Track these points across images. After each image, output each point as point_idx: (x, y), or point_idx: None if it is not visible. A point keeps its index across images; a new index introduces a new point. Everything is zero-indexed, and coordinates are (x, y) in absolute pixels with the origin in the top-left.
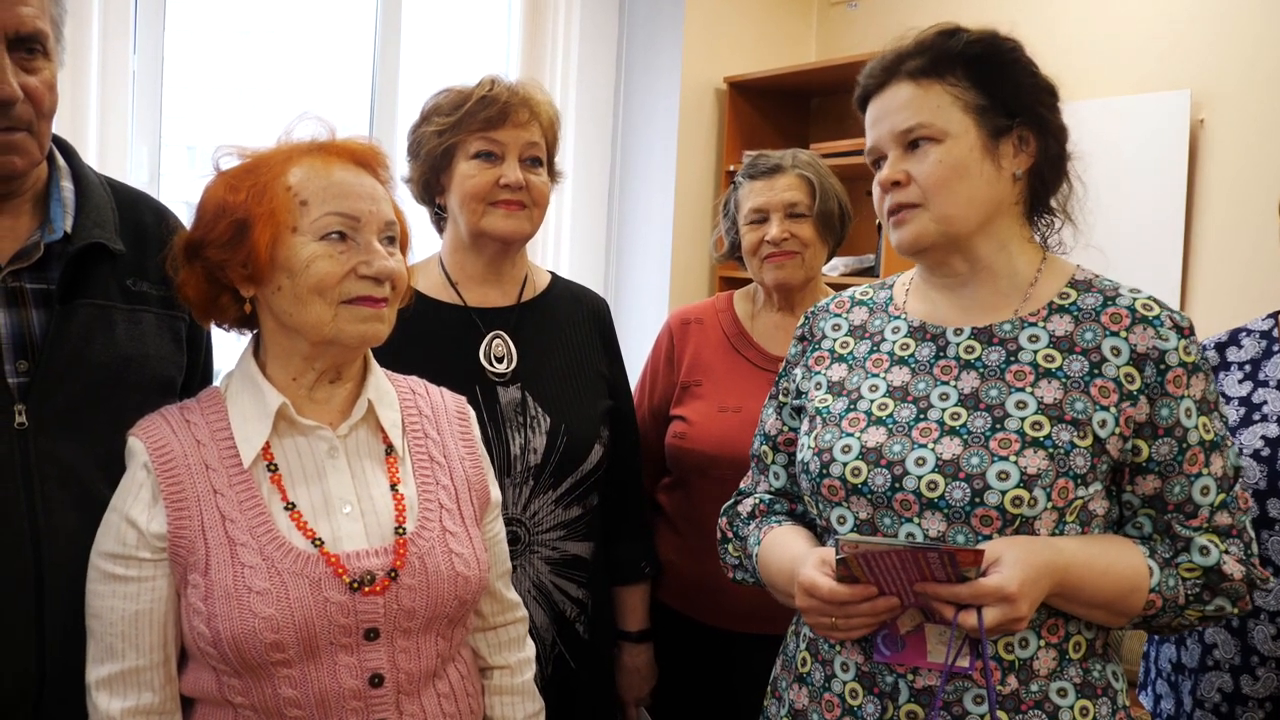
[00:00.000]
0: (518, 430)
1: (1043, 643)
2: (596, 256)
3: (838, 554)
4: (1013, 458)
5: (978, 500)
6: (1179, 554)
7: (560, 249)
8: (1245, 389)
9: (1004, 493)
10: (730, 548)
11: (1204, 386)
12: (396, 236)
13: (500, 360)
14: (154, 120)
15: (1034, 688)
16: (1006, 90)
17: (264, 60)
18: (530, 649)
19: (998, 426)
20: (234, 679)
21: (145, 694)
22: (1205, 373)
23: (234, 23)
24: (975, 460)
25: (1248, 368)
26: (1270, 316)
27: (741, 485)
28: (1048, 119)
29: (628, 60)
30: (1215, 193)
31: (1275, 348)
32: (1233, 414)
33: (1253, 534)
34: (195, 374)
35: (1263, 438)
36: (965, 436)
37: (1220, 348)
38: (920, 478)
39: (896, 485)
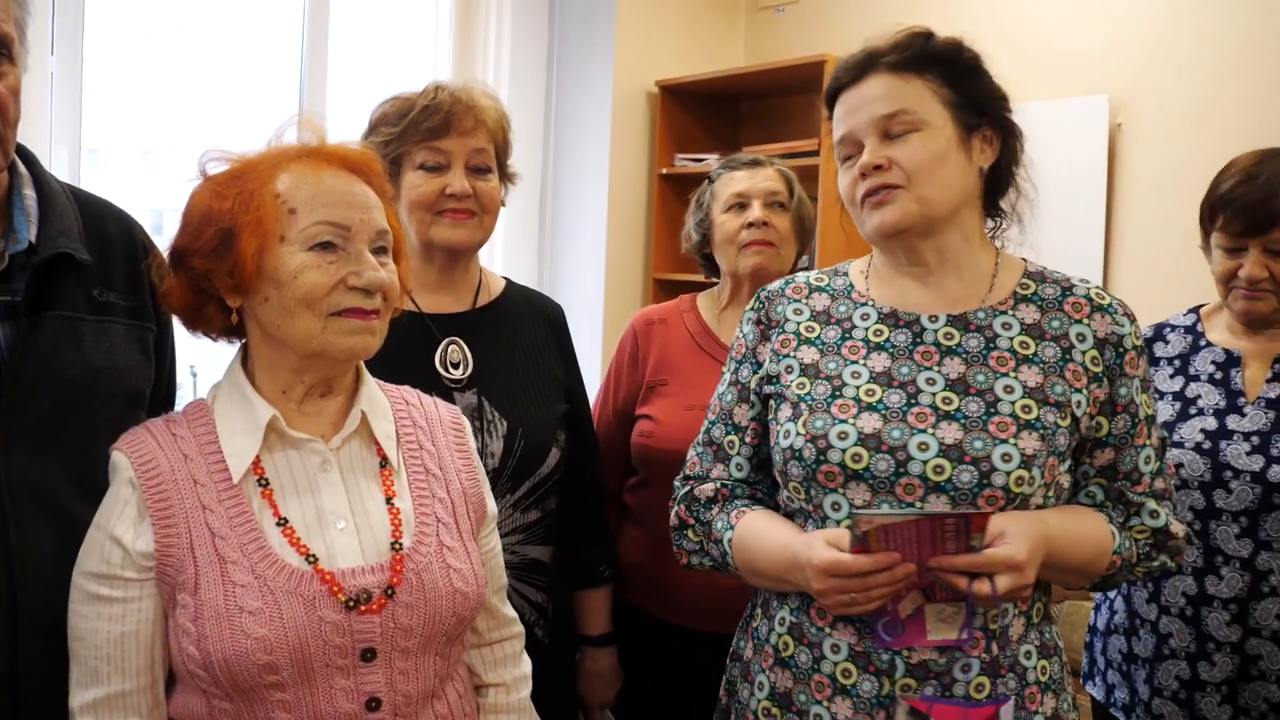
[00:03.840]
0: (474, 435)
1: (1016, 611)
2: (530, 260)
3: (854, 531)
4: (1011, 440)
5: (985, 482)
6: (1130, 517)
7: (494, 253)
8: (1177, 384)
9: (1009, 473)
10: (690, 533)
11: (1145, 366)
12: (389, 246)
13: (456, 366)
14: (74, 123)
15: (1008, 652)
16: (975, 91)
17: (189, 62)
18: (526, 665)
19: (992, 410)
20: (225, 702)
21: (132, 719)
22: (1145, 354)
23: (156, 22)
24: (979, 444)
25: (1177, 363)
26: (1192, 311)
27: (688, 471)
28: (1009, 122)
29: (559, 63)
30: (1134, 194)
31: (1201, 342)
32: (1168, 409)
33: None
34: (160, 384)
35: (1202, 430)
36: (963, 421)
37: (1148, 344)
38: (925, 462)
39: (901, 470)
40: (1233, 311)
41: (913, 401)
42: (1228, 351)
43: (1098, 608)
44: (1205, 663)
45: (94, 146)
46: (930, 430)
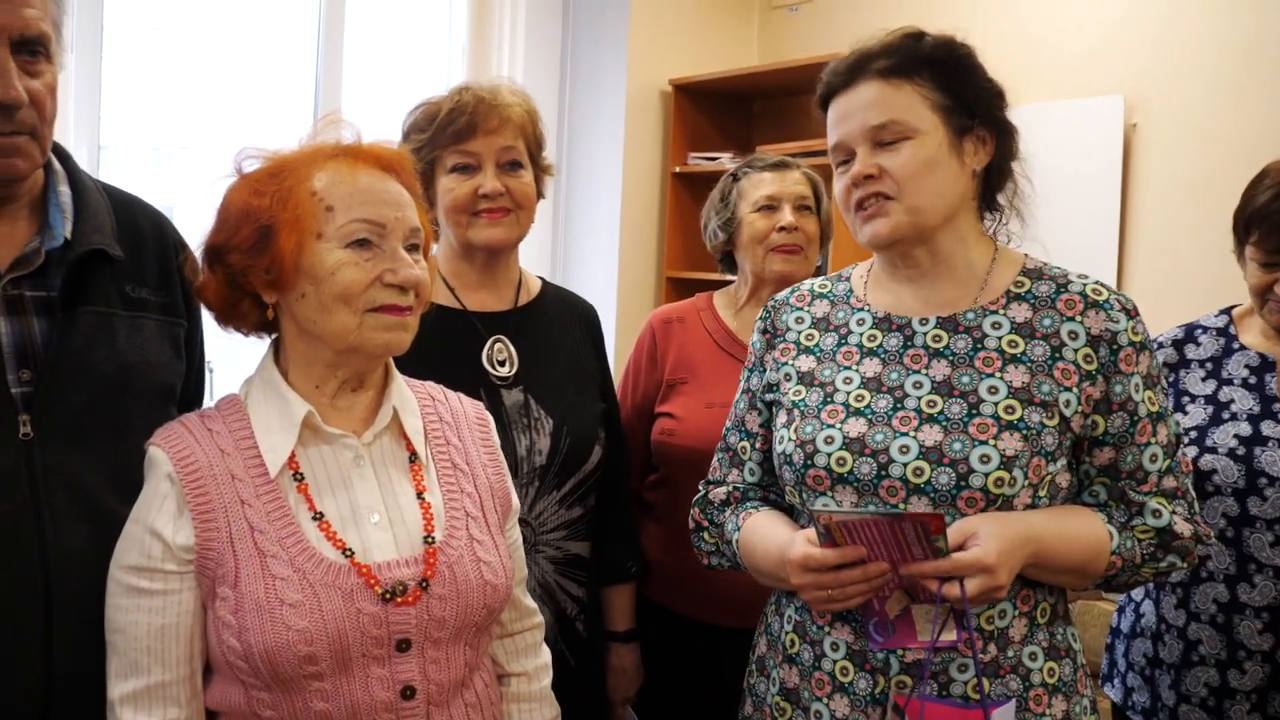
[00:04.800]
0: (523, 432)
1: (1017, 611)
2: (543, 258)
3: (818, 526)
4: (991, 441)
5: (963, 484)
6: (1133, 517)
7: None
8: (1209, 387)
9: (987, 475)
10: (705, 535)
11: (1149, 362)
12: (420, 243)
13: (502, 364)
14: (92, 120)
15: (1010, 653)
16: (967, 92)
17: (200, 58)
18: (546, 655)
19: (974, 412)
20: (264, 692)
21: (171, 709)
22: (1150, 350)
23: (166, 19)
24: (958, 446)
25: (1209, 365)
26: (1224, 312)
27: (709, 476)
28: (1003, 120)
29: (573, 63)
30: (1148, 194)
31: (1235, 345)
32: (1201, 413)
33: (1194, 495)
34: (189, 380)
35: (1236, 436)
36: (944, 423)
37: (1178, 345)
38: (906, 465)
39: (883, 473)
40: (1268, 322)
41: (898, 405)
42: (1262, 356)
43: (1121, 610)
44: (1235, 670)
45: (104, 143)
46: (912, 433)
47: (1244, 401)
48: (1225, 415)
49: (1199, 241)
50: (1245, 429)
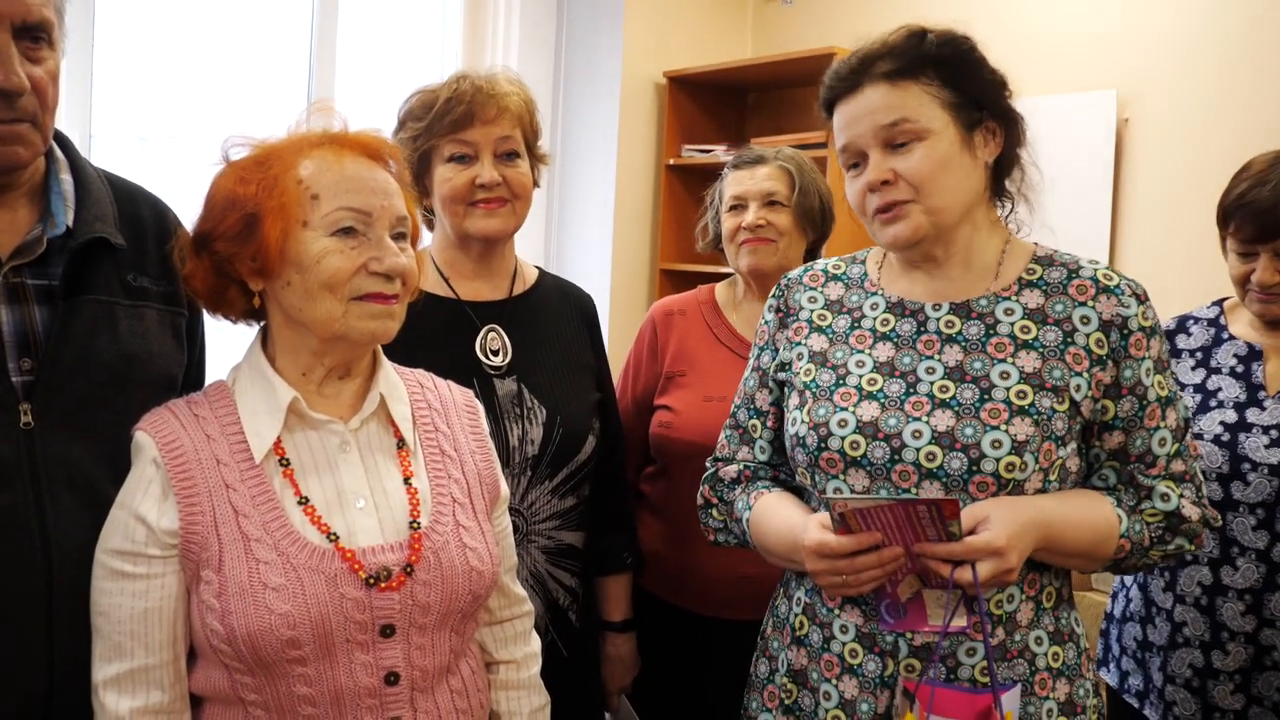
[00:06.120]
0: (515, 421)
1: (1023, 596)
2: (536, 249)
3: (832, 513)
4: (1003, 426)
5: (975, 468)
6: (1142, 501)
7: None
8: (1199, 376)
9: (999, 460)
10: (714, 512)
11: (1159, 347)
12: (407, 232)
13: (495, 353)
14: (84, 109)
15: (1016, 637)
16: (973, 86)
17: (190, 47)
18: (535, 643)
19: (986, 397)
20: (247, 676)
21: (155, 693)
22: (1160, 335)
23: (155, 6)
24: (969, 431)
25: (1199, 355)
26: (1216, 304)
27: (717, 453)
28: (1010, 110)
29: (568, 54)
30: (1140, 189)
31: (1224, 335)
32: (1189, 400)
33: (1202, 478)
34: (190, 369)
35: (1221, 423)
36: (956, 408)
37: (1170, 335)
38: (919, 449)
39: (895, 457)
40: (1250, 311)
41: (911, 390)
42: (1250, 345)
43: (1114, 595)
44: (1219, 651)
45: (92, 132)
46: (925, 418)
47: (1231, 390)
48: (1213, 403)
49: (1190, 236)
50: (1231, 416)
